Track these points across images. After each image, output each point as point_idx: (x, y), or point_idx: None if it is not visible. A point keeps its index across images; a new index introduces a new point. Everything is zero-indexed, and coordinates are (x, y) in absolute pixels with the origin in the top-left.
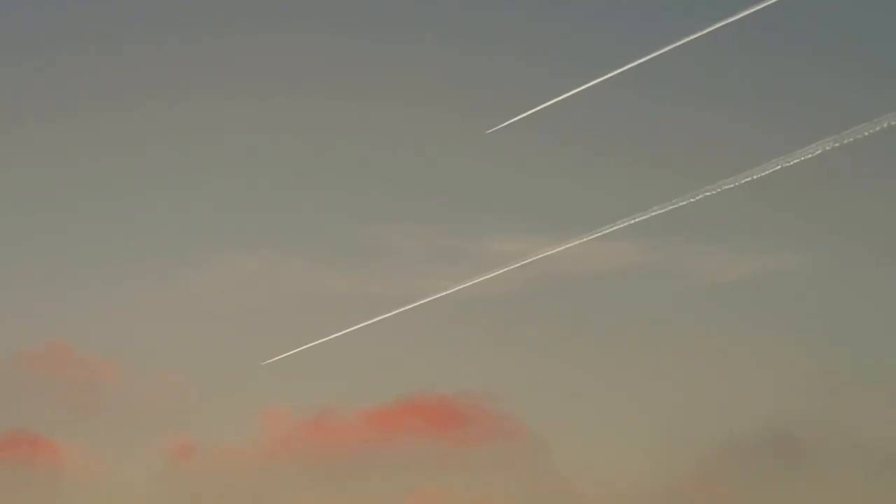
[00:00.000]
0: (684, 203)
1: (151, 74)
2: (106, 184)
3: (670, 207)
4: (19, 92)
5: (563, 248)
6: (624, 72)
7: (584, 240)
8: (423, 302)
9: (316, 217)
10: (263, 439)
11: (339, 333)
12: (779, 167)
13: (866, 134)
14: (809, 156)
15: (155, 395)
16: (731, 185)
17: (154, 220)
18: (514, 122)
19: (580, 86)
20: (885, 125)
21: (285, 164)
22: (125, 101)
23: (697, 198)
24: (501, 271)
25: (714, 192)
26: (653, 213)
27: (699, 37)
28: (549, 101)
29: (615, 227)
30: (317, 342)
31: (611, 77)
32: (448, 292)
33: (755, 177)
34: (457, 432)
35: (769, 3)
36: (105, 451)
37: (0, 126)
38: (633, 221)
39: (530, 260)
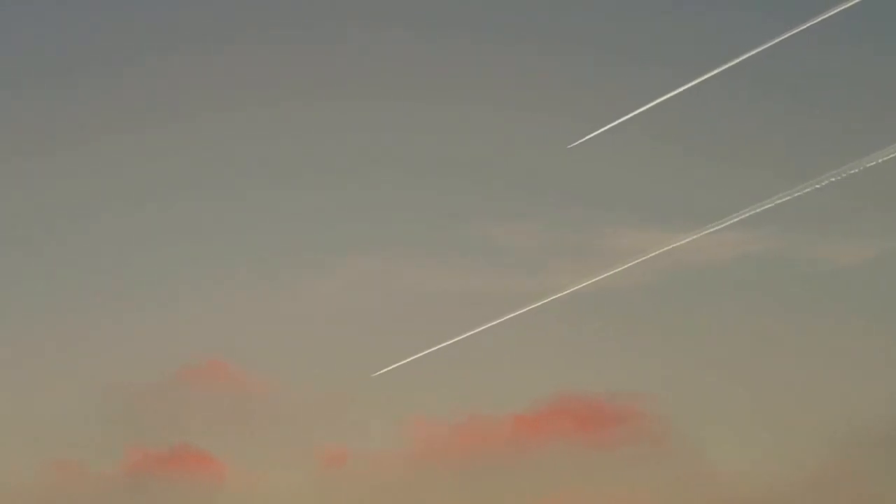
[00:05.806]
0: (800, 193)
1: (270, 72)
2: (230, 188)
3: (788, 198)
4: (136, 94)
5: (689, 239)
6: (728, 69)
7: (709, 231)
8: (552, 298)
9: (438, 217)
10: (411, 446)
11: (480, 329)
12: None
13: None
14: None
15: (302, 405)
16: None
17: (277, 225)
18: (623, 121)
19: (685, 84)
20: None
21: (403, 165)
22: (247, 99)
23: (822, 184)
24: (629, 265)
25: (839, 178)
26: (769, 205)
27: (794, 34)
28: (654, 100)
29: (739, 217)
30: (454, 340)
31: (715, 74)
32: (576, 288)
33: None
34: (605, 433)
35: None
36: (261, 462)
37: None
38: (753, 212)
39: (656, 253)
